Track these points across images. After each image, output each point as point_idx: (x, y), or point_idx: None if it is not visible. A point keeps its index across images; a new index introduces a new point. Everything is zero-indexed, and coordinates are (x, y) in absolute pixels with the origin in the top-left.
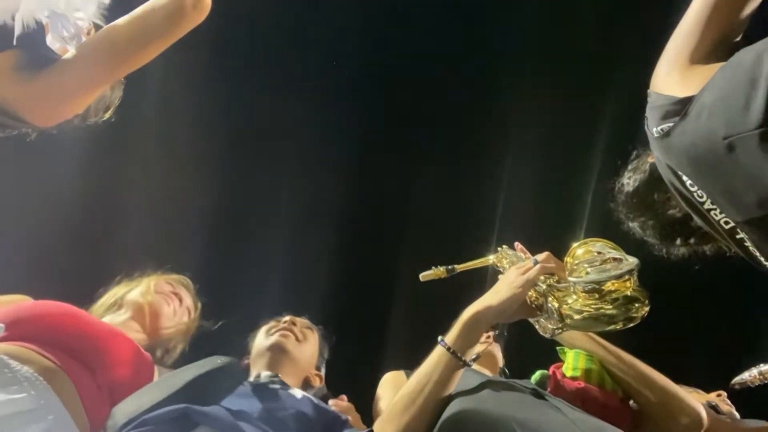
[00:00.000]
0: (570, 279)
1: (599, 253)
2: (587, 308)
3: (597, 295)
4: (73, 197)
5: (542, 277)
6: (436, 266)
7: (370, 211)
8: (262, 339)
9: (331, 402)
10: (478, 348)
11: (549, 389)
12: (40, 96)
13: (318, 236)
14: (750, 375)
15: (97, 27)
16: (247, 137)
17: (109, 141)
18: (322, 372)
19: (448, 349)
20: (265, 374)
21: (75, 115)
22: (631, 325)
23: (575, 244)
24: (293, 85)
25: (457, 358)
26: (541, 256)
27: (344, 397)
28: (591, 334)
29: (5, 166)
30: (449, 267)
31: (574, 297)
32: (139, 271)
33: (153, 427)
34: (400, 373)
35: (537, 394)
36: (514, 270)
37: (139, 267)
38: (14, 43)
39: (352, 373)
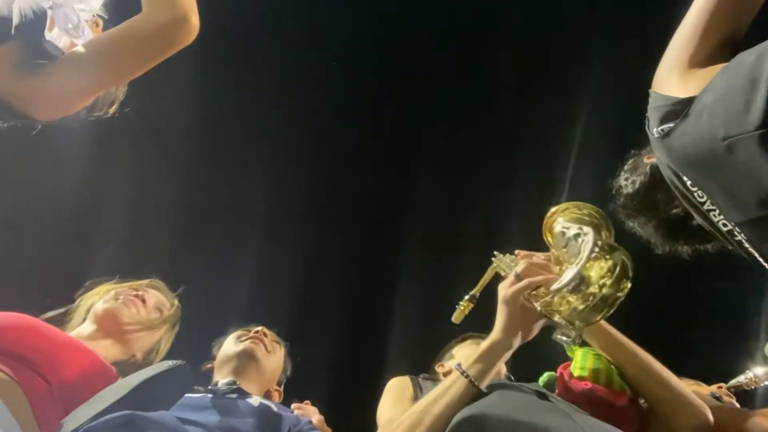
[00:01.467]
0: (551, 290)
1: (562, 233)
2: (584, 302)
3: (584, 287)
4: (47, 202)
5: (535, 293)
6: (458, 303)
7: (361, 217)
8: (231, 345)
9: (293, 406)
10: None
11: (557, 391)
12: (42, 92)
13: (299, 246)
14: (745, 378)
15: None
16: (226, 144)
17: (87, 143)
18: (281, 389)
19: (463, 374)
20: (222, 382)
21: (83, 107)
22: (629, 286)
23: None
24: (277, 92)
25: (471, 384)
26: (519, 268)
27: (308, 402)
28: (607, 329)
29: None
30: (469, 296)
31: (566, 301)
32: (98, 283)
33: None
34: (405, 379)
35: (543, 398)
36: (501, 289)
37: (97, 278)
38: (12, 33)
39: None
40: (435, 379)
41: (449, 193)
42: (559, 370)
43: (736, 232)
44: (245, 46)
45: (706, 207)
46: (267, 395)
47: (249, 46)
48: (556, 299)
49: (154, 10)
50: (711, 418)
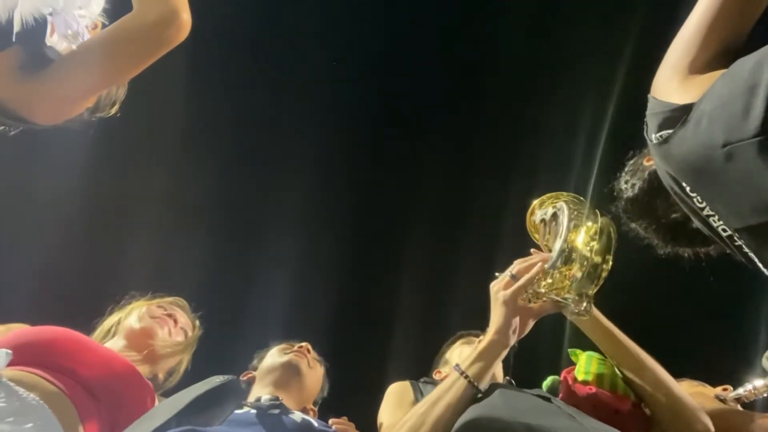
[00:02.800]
0: (546, 269)
1: (542, 220)
2: (581, 268)
3: (575, 255)
4: (69, 215)
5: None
6: None
7: (363, 224)
8: (275, 356)
9: (331, 422)
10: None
11: (560, 395)
12: (40, 97)
13: (323, 259)
14: (745, 390)
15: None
16: (254, 156)
17: (102, 150)
18: (316, 409)
19: (462, 374)
20: (265, 398)
21: (86, 108)
22: (614, 241)
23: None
24: (302, 101)
25: (470, 384)
26: (514, 269)
27: (345, 418)
28: (608, 326)
29: None
30: None
31: (565, 276)
32: (132, 298)
33: None
34: (405, 384)
35: (547, 401)
36: (493, 290)
37: (132, 293)
38: (13, 40)
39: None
40: (435, 383)
41: (453, 202)
42: (563, 374)
43: (735, 238)
44: (246, 46)
45: (705, 213)
46: (304, 412)
47: (249, 44)
48: (557, 278)
49: (144, 7)
50: (711, 428)
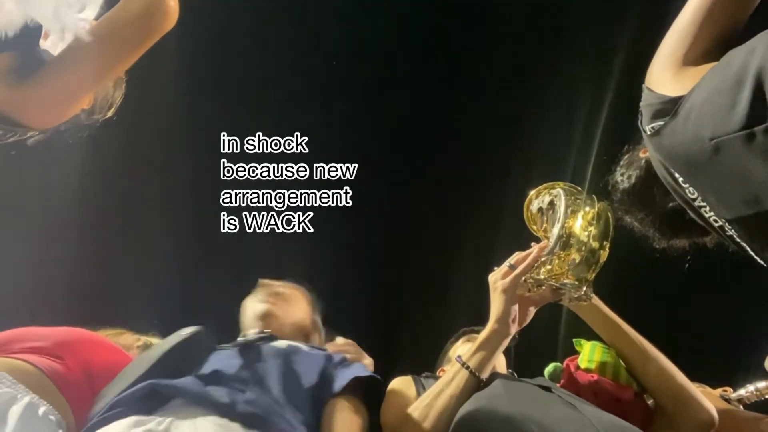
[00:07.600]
0: (544, 255)
1: (539, 209)
2: (578, 252)
3: (573, 240)
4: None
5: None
6: None
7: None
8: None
9: (328, 345)
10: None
11: (562, 381)
12: (34, 99)
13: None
14: (746, 392)
15: None
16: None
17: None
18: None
19: (464, 365)
20: (252, 331)
21: (82, 110)
22: (612, 227)
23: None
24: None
25: (472, 375)
26: (513, 259)
27: (340, 336)
28: (611, 316)
29: None
30: None
31: (564, 261)
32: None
33: (123, 409)
34: (407, 378)
35: (548, 391)
36: (491, 280)
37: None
38: (3, 46)
39: None
40: (438, 378)
41: (451, 197)
42: (566, 362)
43: (727, 228)
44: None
45: (697, 203)
46: (305, 340)
47: (246, 44)
48: (555, 264)
49: None
50: (716, 417)
